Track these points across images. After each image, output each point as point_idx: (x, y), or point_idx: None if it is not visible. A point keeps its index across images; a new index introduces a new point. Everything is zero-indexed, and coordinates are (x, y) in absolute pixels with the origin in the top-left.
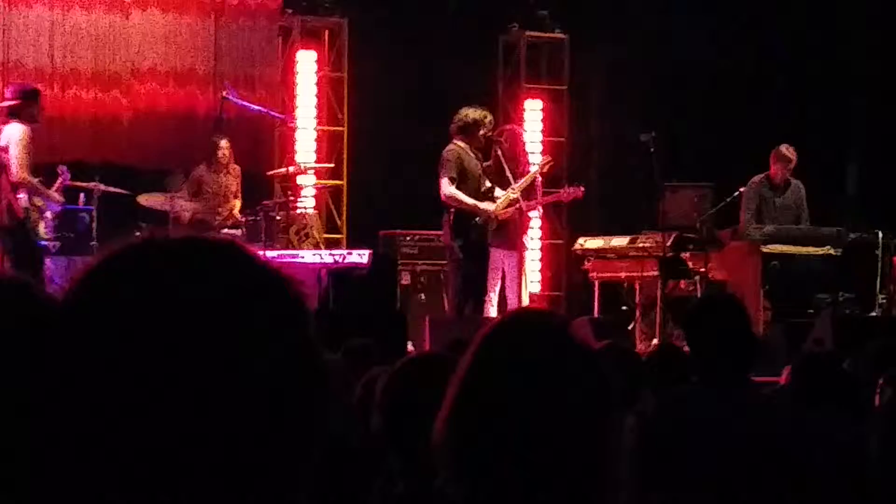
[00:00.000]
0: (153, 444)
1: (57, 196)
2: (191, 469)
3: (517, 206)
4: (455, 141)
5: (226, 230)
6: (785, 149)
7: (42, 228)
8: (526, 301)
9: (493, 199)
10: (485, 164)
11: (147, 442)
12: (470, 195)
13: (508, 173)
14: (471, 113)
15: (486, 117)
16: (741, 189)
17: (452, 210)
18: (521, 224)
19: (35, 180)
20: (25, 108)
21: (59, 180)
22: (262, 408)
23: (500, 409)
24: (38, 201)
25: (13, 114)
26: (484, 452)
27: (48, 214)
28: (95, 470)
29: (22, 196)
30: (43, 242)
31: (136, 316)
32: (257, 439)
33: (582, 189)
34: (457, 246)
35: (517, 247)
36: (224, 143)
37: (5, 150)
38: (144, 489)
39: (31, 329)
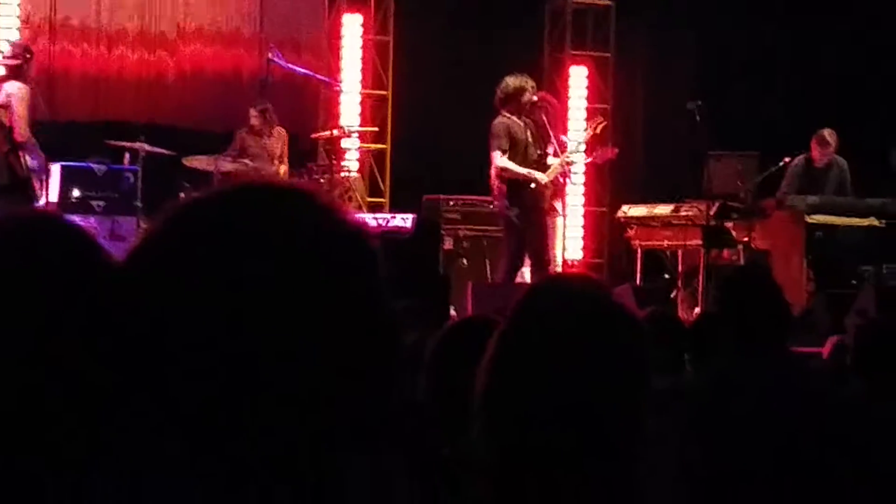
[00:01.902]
0: (235, 389)
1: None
2: (268, 416)
3: (562, 171)
4: (501, 112)
5: None
6: (827, 133)
7: (38, 189)
8: (559, 266)
9: (544, 168)
10: (534, 128)
11: (229, 387)
12: (521, 164)
13: (553, 139)
14: (512, 81)
15: (527, 83)
16: (787, 159)
17: (507, 179)
18: (557, 189)
19: (35, 141)
20: (25, 66)
21: None
22: (343, 355)
23: (536, 370)
24: (31, 161)
25: (16, 73)
26: (518, 413)
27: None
28: (174, 413)
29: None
30: (39, 203)
31: (223, 258)
32: (337, 384)
33: (615, 150)
34: (513, 214)
35: (552, 212)
36: (254, 111)
37: (4, 107)
38: (220, 438)
39: (97, 274)
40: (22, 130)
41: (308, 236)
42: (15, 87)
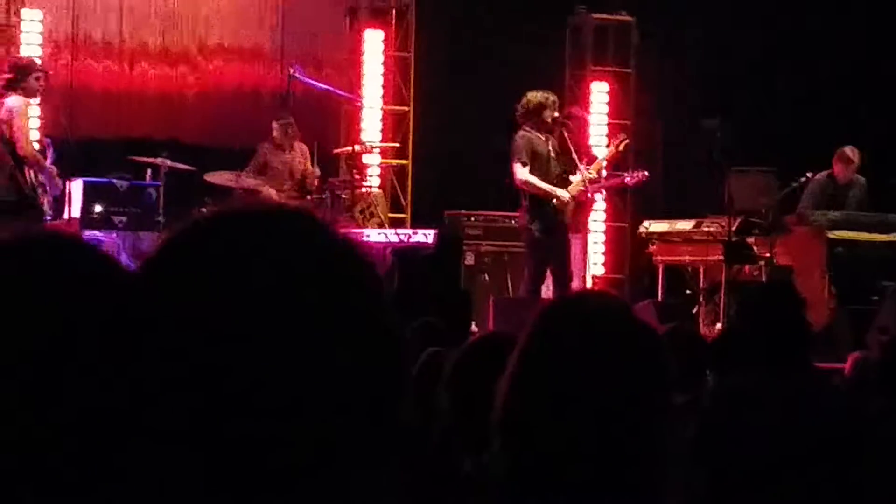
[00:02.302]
0: (234, 407)
1: (55, 174)
2: (268, 440)
3: (583, 189)
4: (523, 127)
5: None
6: (849, 151)
7: (45, 206)
8: (589, 284)
9: (566, 183)
10: (556, 144)
11: (228, 406)
12: (542, 179)
13: (575, 155)
14: (533, 97)
15: (548, 98)
16: (808, 174)
17: (528, 194)
18: (585, 207)
19: (39, 156)
20: (20, 81)
21: (47, 155)
22: (342, 377)
23: (556, 386)
24: (41, 177)
25: (9, 87)
26: (537, 429)
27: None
28: (179, 426)
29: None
30: (48, 218)
31: (219, 280)
32: (336, 406)
33: (646, 174)
34: (536, 229)
35: (580, 229)
36: (276, 124)
37: (5, 122)
38: (226, 452)
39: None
40: (24, 144)
41: (305, 256)
42: (16, 102)
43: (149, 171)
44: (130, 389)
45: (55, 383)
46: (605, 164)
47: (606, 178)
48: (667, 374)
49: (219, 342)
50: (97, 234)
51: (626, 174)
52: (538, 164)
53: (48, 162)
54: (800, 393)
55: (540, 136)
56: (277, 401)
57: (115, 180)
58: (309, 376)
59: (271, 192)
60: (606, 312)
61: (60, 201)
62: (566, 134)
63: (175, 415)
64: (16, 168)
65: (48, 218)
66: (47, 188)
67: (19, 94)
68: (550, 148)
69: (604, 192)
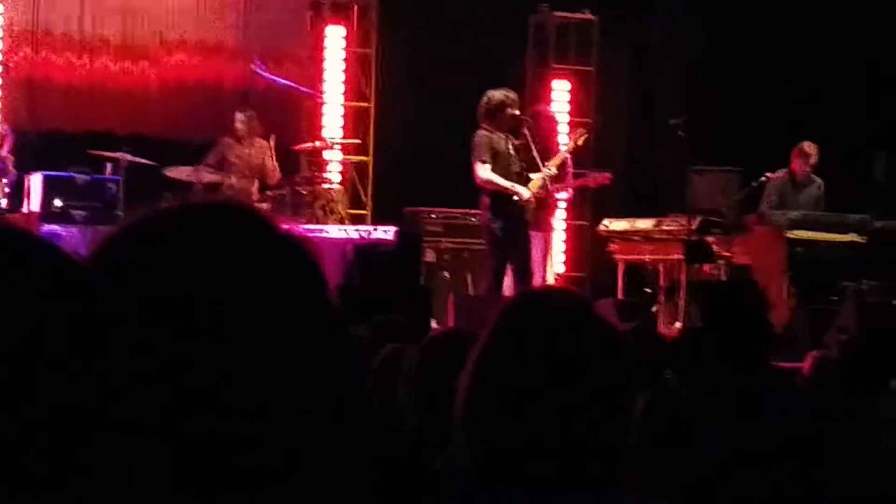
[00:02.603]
0: (199, 404)
1: (11, 162)
2: (233, 438)
3: (545, 186)
4: (482, 125)
5: (254, 203)
6: (807, 146)
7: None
8: (551, 282)
9: (526, 182)
10: (516, 142)
11: (193, 402)
12: (503, 177)
13: (535, 153)
14: (494, 95)
15: (508, 97)
16: (768, 174)
17: (490, 192)
18: (548, 205)
19: None
20: None
21: (4, 143)
22: (303, 374)
23: (517, 382)
24: None
25: None
26: (499, 425)
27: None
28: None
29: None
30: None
31: (178, 276)
32: (299, 403)
33: (609, 175)
34: (497, 227)
35: (543, 228)
36: (241, 115)
37: None
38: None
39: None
40: None
41: (248, 252)
42: None
43: (109, 165)
44: (97, 384)
45: (24, 381)
46: (567, 158)
47: (568, 179)
48: (628, 371)
49: (180, 337)
50: (56, 227)
51: (588, 175)
52: (499, 162)
53: (5, 150)
54: (761, 390)
55: (500, 134)
56: (241, 398)
57: (75, 174)
58: (270, 373)
59: (232, 186)
60: (568, 309)
61: (19, 195)
62: (528, 132)
63: (142, 410)
64: None
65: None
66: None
67: None
68: (510, 146)
69: (570, 191)
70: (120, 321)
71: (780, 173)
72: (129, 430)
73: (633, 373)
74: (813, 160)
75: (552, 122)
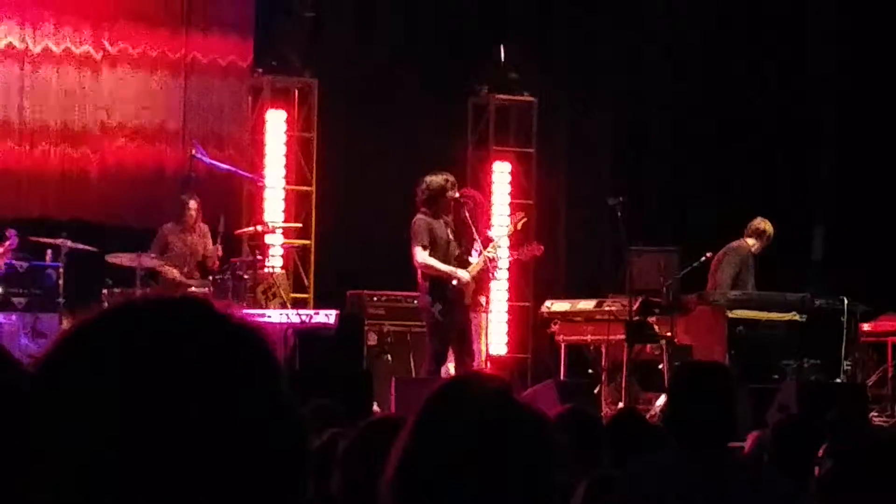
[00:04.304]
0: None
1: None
2: None
3: (483, 268)
4: (421, 210)
5: (192, 288)
6: (765, 224)
7: None
8: (484, 361)
9: (465, 265)
10: (452, 228)
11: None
12: (442, 261)
13: (476, 234)
14: (433, 181)
15: (447, 181)
16: (708, 254)
17: (429, 276)
18: (482, 285)
19: None
20: None
21: (7, 244)
22: (244, 464)
23: (440, 469)
24: None
25: None
26: None
27: None
28: None
29: None
30: None
31: (117, 378)
32: (241, 490)
33: (541, 247)
34: (436, 311)
35: (476, 307)
36: (192, 203)
37: None
38: None
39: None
40: None
41: (203, 344)
42: None
43: (49, 251)
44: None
45: None
46: (506, 241)
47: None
48: (551, 457)
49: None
50: None
51: (520, 249)
52: (437, 247)
53: (4, 248)
54: (724, 471)
55: (438, 220)
56: (184, 484)
57: (14, 261)
58: (215, 462)
59: (173, 273)
60: (488, 398)
61: None
62: (465, 213)
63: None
64: None
65: None
66: None
67: None
68: (448, 231)
69: (507, 264)
70: (56, 428)
71: (746, 247)
72: None
73: (560, 459)
74: (768, 235)
75: (480, 204)
